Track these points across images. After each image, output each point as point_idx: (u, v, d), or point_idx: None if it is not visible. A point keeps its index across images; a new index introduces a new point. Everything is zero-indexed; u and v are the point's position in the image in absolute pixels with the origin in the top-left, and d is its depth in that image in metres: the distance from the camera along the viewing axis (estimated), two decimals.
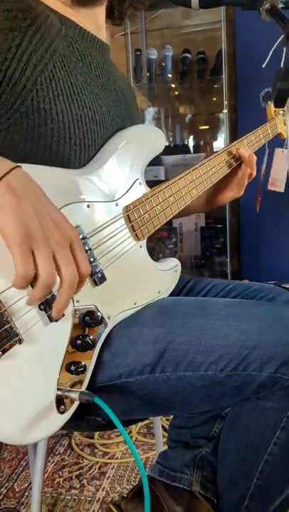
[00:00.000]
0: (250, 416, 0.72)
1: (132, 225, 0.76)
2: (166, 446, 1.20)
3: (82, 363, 0.66)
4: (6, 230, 0.50)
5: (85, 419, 0.74)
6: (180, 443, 0.86)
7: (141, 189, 0.80)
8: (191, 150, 2.56)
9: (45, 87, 0.67)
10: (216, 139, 2.56)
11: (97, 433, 1.58)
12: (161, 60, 2.36)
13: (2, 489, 1.34)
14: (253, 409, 0.71)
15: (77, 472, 1.41)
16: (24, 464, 1.47)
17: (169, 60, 2.34)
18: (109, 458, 1.48)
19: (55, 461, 1.47)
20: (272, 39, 1.73)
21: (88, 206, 0.70)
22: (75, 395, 0.62)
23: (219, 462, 0.81)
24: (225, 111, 2.27)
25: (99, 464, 1.45)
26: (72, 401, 0.64)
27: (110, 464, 1.45)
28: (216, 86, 2.35)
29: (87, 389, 0.69)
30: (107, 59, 0.84)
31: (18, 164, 0.55)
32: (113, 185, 0.75)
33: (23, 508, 1.26)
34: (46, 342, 0.62)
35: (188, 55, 2.33)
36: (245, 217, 2.36)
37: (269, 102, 1.23)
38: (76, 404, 0.65)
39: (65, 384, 0.64)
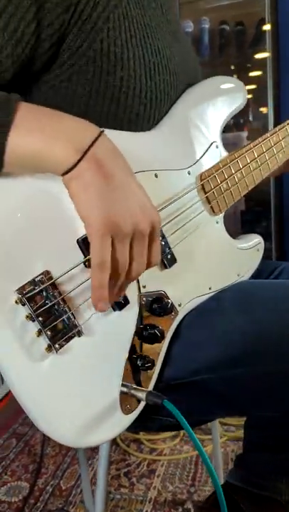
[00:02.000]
0: None
1: (206, 197, 0.66)
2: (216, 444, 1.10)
3: (150, 358, 0.59)
4: (90, 218, 0.44)
5: (153, 419, 0.66)
6: (262, 445, 0.76)
7: (218, 153, 0.70)
8: (232, 128, 2.43)
9: (118, 27, 0.57)
10: (257, 116, 2.42)
11: None
12: (198, 32, 2.23)
13: (48, 487, 1.27)
14: None
15: (125, 470, 1.34)
16: (69, 460, 1.40)
17: (206, 33, 2.21)
18: (157, 454, 1.39)
19: None
20: None
21: (156, 175, 0.62)
22: (141, 395, 0.55)
23: None
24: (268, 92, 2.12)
25: (147, 461, 1.37)
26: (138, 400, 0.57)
27: (159, 461, 1.36)
28: (256, 59, 2.20)
29: (160, 386, 0.62)
30: (173, 6, 0.73)
31: (102, 129, 0.48)
32: (186, 149, 0.66)
33: (72, 508, 1.19)
34: (109, 334, 0.56)
35: (226, 27, 2.19)
36: None
37: None
38: (143, 403, 0.58)
39: (130, 381, 0.57)
